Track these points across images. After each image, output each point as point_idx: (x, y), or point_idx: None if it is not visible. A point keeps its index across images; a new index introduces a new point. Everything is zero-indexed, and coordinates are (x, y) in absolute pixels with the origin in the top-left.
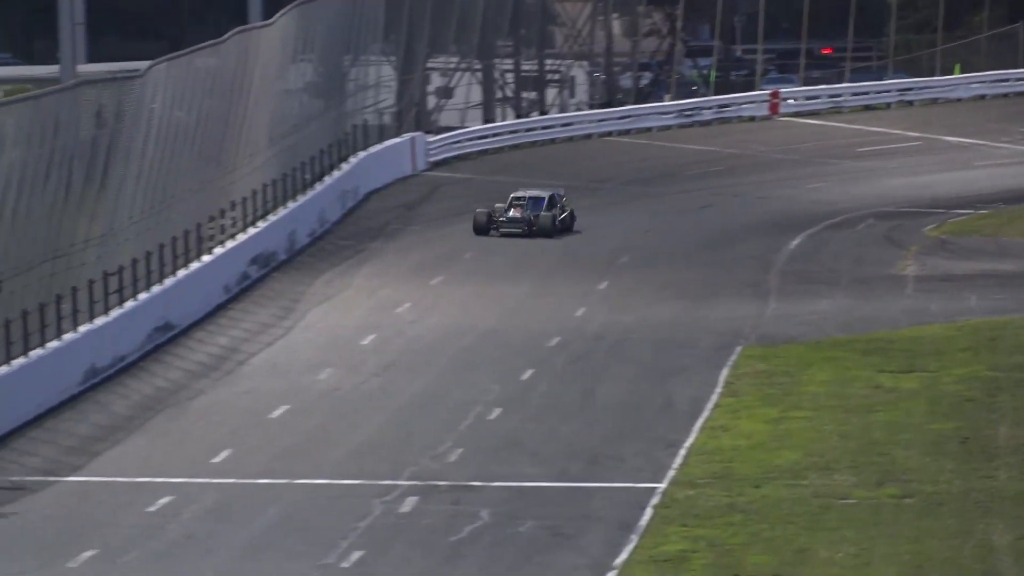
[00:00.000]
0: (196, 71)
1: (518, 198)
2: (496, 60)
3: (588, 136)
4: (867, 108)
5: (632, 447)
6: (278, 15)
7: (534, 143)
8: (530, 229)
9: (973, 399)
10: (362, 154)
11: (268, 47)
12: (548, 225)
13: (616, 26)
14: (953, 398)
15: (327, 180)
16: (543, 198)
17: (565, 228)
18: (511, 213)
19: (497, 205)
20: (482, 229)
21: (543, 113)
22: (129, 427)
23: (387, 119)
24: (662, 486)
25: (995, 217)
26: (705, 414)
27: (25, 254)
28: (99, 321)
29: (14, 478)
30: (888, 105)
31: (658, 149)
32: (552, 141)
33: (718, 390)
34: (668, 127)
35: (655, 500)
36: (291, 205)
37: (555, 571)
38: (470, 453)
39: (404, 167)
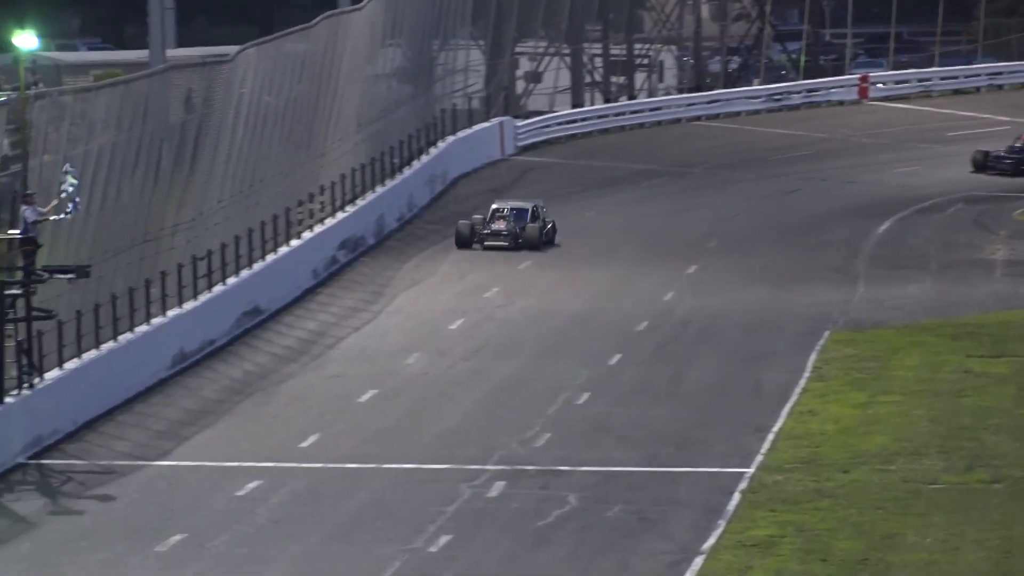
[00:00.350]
0: (285, 55)
1: (499, 210)
2: (585, 44)
3: (677, 120)
4: (957, 92)
5: (720, 432)
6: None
7: (623, 128)
8: (516, 242)
9: None
10: (451, 138)
11: (357, 31)
12: (536, 237)
13: (705, 10)
14: None
15: (416, 165)
16: (526, 209)
17: (548, 241)
18: (495, 226)
19: (475, 216)
20: (465, 242)
21: (632, 98)
22: (218, 411)
23: (476, 103)
24: (750, 471)
25: None
26: (793, 399)
27: (114, 239)
28: (188, 305)
29: (103, 462)
30: (978, 89)
31: (747, 134)
32: (641, 126)
33: (806, 375)
34: (757, 111)
35: (743, 485)
36: (380, 190)
37: (642, 556)
38: (558, 438)
39: (493, 151)
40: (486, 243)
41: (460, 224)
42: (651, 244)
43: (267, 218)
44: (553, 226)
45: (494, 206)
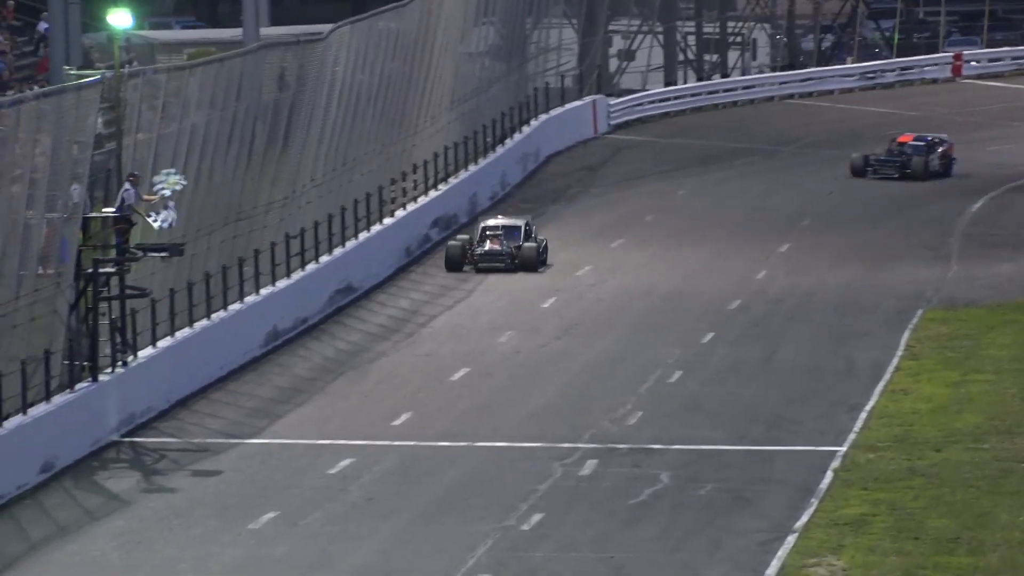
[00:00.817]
0: (378, 33)
1: (491, 228)
2: (678, 22)
3: (770, 99)
4: None
5: (812, 410)
6: None
7: (715, 106)
8: (512, 262)
9: None
10: (543, 117)
11: (450, 10)
12: (533, 258)
13: None
14: None
15: (508, 143)
16: (518, 228)
17: (542, 261)
18: (488, 246)
19: (461, 237)
20: (456, 263)
21: (725, 76)
22: (310, 390)
23: (568, 82)
24: (842, 449)
25: None
26: (886, 377)
27: (208, 217)
28: (281, 284)
29: (197, 440)
30: None
31: (839, 112)
32: (734, 104)
33: (899, 353)
34: (850, 90)
35: (835, 463)
36: (472, 168)
37: (734, 534)
38: (650, 416)
39: (585, 130)
40: (480, 265)
41: (450, 246)
42: (744, 223)
43: (360, 196)
44: (545, 245)
45: (483, 224)
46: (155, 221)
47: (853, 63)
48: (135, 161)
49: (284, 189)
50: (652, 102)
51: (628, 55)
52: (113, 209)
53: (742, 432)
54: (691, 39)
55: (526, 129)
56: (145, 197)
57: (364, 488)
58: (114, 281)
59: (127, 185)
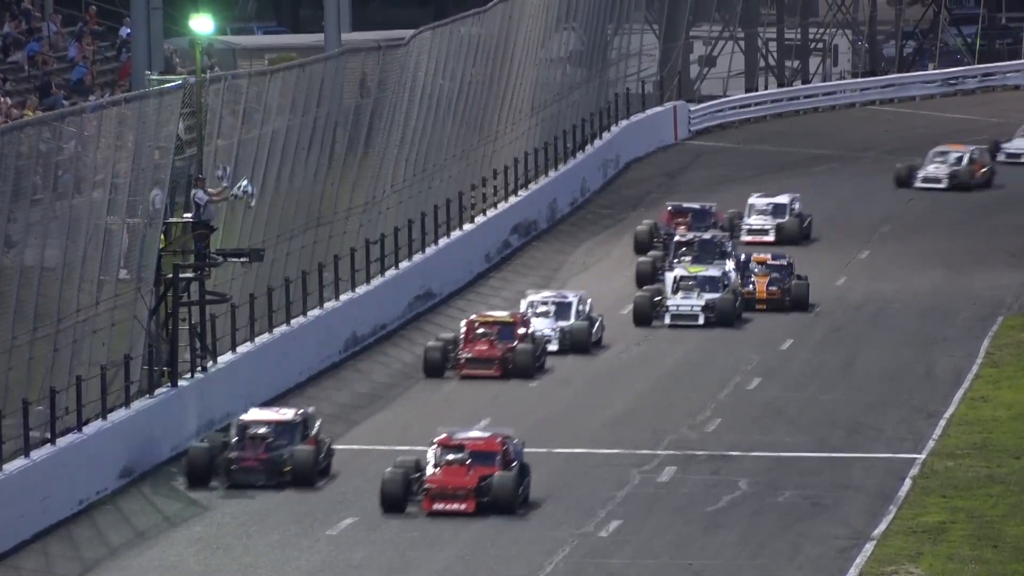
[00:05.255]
0: (459, 39)
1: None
2: (759, 28)
3: (851, 105)
4: None
5: (892, 417)
6: None
7: (796, 112)
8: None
9: None
10: (624, 123)
11: (532, 15)
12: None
13: None
14: None
15: (588, 149)
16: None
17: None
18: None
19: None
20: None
21: (806, 82)
22: (389, 395)
23: (649, 88)
24: (922, 457)
25: None
26: (965, 384)
27: (288, 222)
28: (360, 289)
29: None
30: None
31: (921, 118)
32: (815, 110)
33: (979, 360)
34: (931, 96)
35: (914, 471)
36: (552, 174)
37: (813, 541)
38: (729, 422)
39: (666, 136)
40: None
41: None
42: (824, 228)
43: (440, 202)
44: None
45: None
46: (235, 188)
47: (935, 69)
48: (214, 167)
49: (364, 195)
50: (733, 108)
51: (709, 61)
52: (191, 215)
53: (821, 438)
54: (772, 45)
55: (606, 135)
56: (214, 192)
57: None
58: (194, 286)
59: (195, 190)
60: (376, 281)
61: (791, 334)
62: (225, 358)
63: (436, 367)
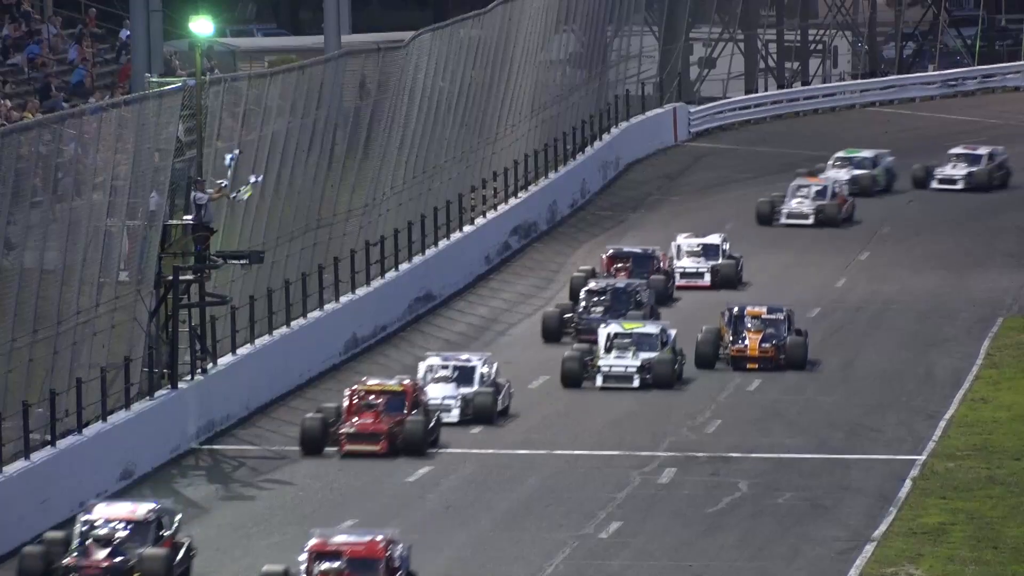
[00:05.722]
0: (459, 41)
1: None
2: (759, 30)
3: (851, 107)
4: None
5: (892, 418)
6: None
7: (796, 113)
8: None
9: None
10: (624, 124)
11: (531, 17)
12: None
13: None
14: None
15: (588, 151)
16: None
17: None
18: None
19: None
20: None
21: (806, 83)
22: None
23: (649, 89)
24: (921, 458)
25: None
26: (965, 386)
27: (288, 224)
28: (360, 291)
29: (275, 448)
30: None
31: (920, 119)
32: (815, 111)
33: (979, 361)
34: (931, 97)
35: (914, 472)
36: (552, 176)
37: (813, 543)
38: (729, 424)
39: (666, 137)
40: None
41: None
42: (823, 230)
43: (440, 204)
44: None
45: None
46: (238, 194)
47: (934, 71)
48: (215, 169)
49: (364, 197)
50: (732, 110)
51: (709, 63)
52: (191, 217)
53: (821, 440)
54: (772, 47)
55: (606, 137)
56: (213, 192)
57: (442, 496)
58: (194, 288)
59: (194, 192)
60: (376, 283)
61: None
62: (225, 360)
63: (315, 444)
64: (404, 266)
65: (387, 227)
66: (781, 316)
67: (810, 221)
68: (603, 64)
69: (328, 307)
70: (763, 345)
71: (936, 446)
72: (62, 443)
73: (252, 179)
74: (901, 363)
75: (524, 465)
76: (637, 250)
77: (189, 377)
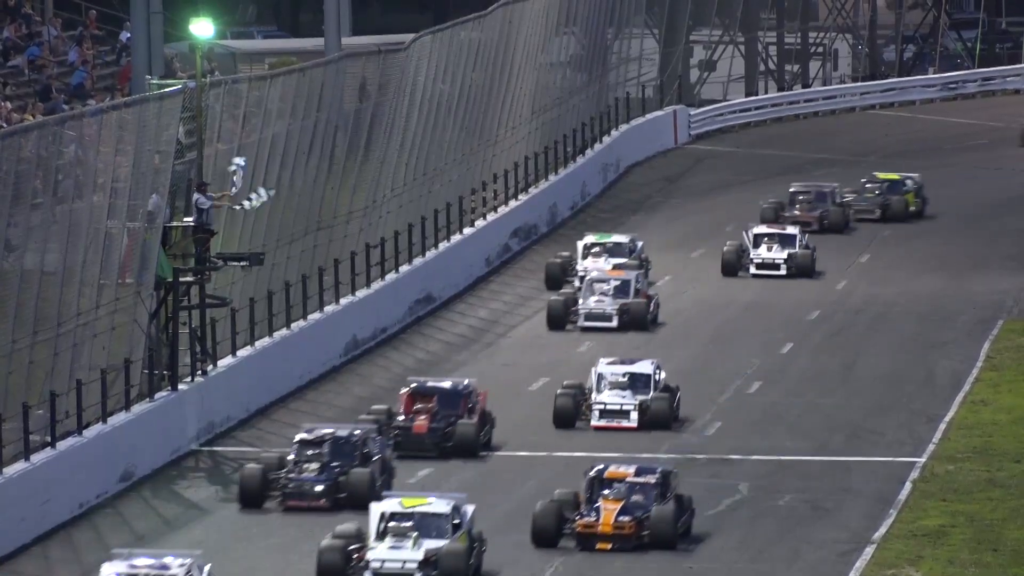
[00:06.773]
0: (459, 43)
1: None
2: (759, 32)
3: (851, 109)
4: None
5: (892, 421)
6: None
7: (797, 116)
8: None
9: None
10: (624, 127)
11: (532, 19)
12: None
13: None
14: None
15: (589, 153)
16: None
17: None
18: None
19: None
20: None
21: (806, 86)
22: (389, 399)
23: (649, 92)
24: (922, 460)
25: None
26: (966, 388)
27: (288, 226)
28: (360, 293)
29: (275, 449)
30: None
31: (921, 122)
32: (815, 114)
33: (979, 364)
34: (931, 100)
35: (914, 474)
36: (552, 178)
37: (813, 545)
38: (729, 426)
39: (666, 140)
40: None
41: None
42: (824, 232)
43: (440, 206)
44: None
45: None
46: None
47: (935, 73)
48: (216, 171)
49: (364, 198)
50: (733, 112)
51: (709, 65)
52: (192, 219)
53: (821, 442)
54: (772, 49)
55: (607, 139)
56: (216, 197)
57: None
58: (194, 290)
59: (196, 194)
60: (376, 285)
61: (791, 338)
62: (225, 362)
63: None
64: (404, 268)
65: (387, 229)
66: (653, 479)
67: (614, 324)
68: (603, 67)
69: (328, 309)
70: (618, 519)
71: (936, 448)
72: (62, 445)
73: (263, 192)
74: (901, 365)
75: (525, 467)
76: (445, 385)
77: (189, 379)
